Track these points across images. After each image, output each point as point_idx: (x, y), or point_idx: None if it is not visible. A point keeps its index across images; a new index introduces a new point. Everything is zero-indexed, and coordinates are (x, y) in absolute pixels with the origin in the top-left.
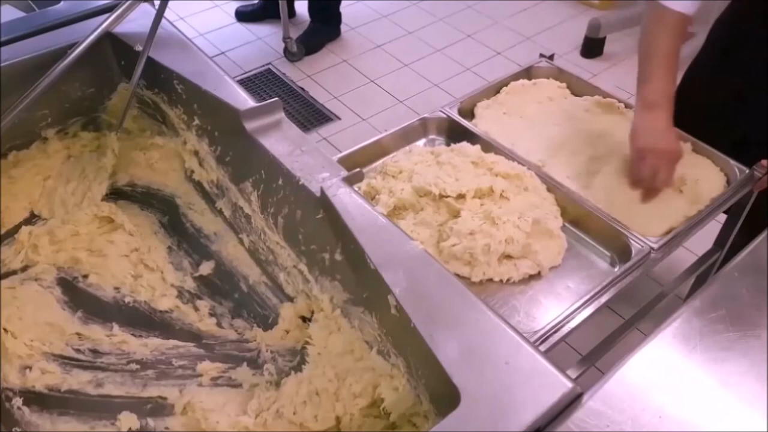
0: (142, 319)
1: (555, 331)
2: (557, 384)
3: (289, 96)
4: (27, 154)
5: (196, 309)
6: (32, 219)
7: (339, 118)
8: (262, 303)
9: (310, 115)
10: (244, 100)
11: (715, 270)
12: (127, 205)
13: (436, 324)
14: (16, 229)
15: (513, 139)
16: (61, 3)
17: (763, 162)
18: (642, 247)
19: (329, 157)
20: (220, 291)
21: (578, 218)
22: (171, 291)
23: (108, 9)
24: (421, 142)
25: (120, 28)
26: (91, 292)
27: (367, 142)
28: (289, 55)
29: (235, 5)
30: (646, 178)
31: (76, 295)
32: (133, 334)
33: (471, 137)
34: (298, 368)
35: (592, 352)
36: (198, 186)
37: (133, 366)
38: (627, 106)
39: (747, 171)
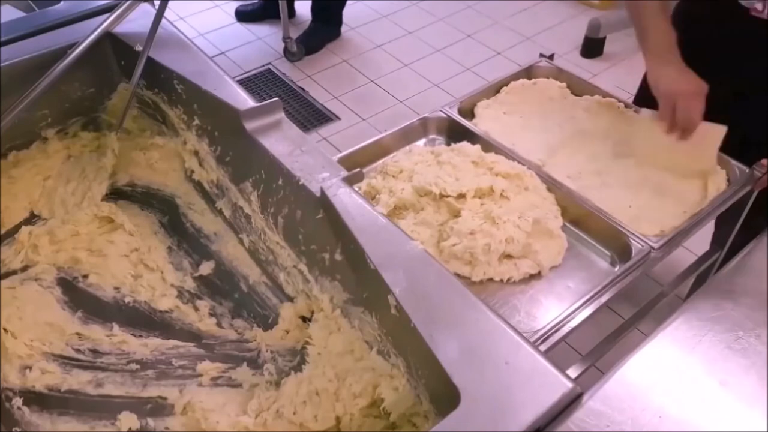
0: (142, 319)
1: (555, 331)
2: (557, 384)
3: (289, 96)
4: (27, 154)
5: (196, 309)
6: (32, 219)
7: (339, 118)
8: (262, 303)
9: (310, 115)
10: (244, 100)
11: (714, 270)
12: (127, 205)
13: (436, 324)
14: (16, 229)
15: (513, 139)
16: (61, 3)
17: (763, 161)
18: (642, 246)
19: (329, 157)
20: (220, 291)
21: (578, 218)
22: (171, 291)
23: (108, 9)
24: (421, 142)
25: (120, 28)
26: (91, 292)
27: (367, 142)
28: (289, 55)
29: (235, 5)
30: (681, 118)
31: (76, 295)
32: (133, 334)
33: (471, 137)
34: (298, 368)
35: (592, 352)
36: (198, 186)
37: (133, 366)
38: (627, 105)
39: (747, 170)
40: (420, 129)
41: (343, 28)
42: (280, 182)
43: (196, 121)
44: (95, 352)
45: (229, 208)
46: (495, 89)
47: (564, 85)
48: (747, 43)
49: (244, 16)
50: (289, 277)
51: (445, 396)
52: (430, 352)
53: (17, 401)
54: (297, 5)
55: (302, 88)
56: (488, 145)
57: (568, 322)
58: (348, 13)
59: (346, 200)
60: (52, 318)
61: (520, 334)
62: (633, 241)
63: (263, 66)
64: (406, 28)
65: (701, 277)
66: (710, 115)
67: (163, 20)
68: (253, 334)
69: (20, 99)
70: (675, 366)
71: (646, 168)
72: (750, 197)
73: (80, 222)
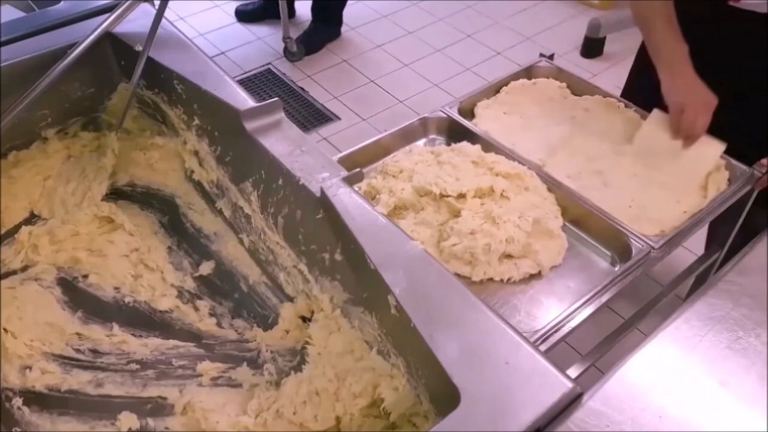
0: (142, 319)
1: (555, 331)
2: (557, 384)
3: (289, 96)
4: (27, 154)
5: (196, 309)
6: (32, 219)
7: (339, 118)
8: (262, 303)
9: (310, 115)
10: (244, 100)
11: (714, 270)
12: (127, 205)
13: (436, 324)
14: (16, 229)
15: (513, 139)
16: (61, 3)
17: (763, 161)
18: (642, 246)
19: (329, 157)
20: (220, 291)
21: (578, 218)
22: (171, 291)
23: (108, 9)
24: (421, 142)
25: (120, 28)
26: (91, 292)
27: (367, 142)
28: (289, 55)
29: (235, 5)
30: (685, 127)
31: (76, 295)
32: (133, 334)
33: (471, 137)
34: (298, 368)
35: (592, 352)
36: (198, 186)
37: (133, 366)
38: (627, 105)
39: (747, 170)
40: (420, 129)
41: (343, 28)
42: (280, 182)
43: (196, 121)
44: (95, 352)
45: (229, 208)
46: (495, 89)
47: (564, 85)
48: (747, 42)
49: (244, 16)
50: (289, 277)
51: (445, 396)
52: (430, 352)
53: (17, 401)
54: (297, 5)
55: (302, 88)
56: (488, 145)
57: (568, 322)
58: (348, 13)
59: (346, 200)
60: (52, 318)
61: (520, 334)
62: (633, 241)
63: (263, 66)
64: (406, 28)
65: (701, 277)
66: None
67: (163, 20)
68: (253, 334)
69: (20, 99)
70: (675, 366)
71: (647, 168)
72: (750, 197)
73: (80, 222)
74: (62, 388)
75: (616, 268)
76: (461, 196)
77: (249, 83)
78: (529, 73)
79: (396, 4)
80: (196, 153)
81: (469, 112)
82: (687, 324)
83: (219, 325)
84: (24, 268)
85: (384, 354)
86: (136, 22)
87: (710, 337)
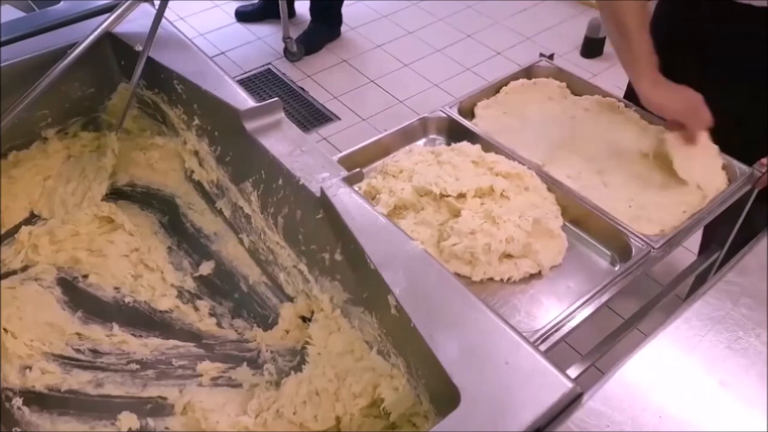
0: (142, 319)
1: (555, 331)
2: (557, 384)
3: (289, 96)
4: (27, 154)
5: (196, 309)
6: (32, 219)
7: (339, 118)
8: (262, 303)
9: (310, 115)
10: (244, 100)
11: (714, 270)
12: (127, 205)
13: (436, 324)
14: (16, 229)
15: (513, 139)
16: (61, 3)
17: (763, 161)
18: (642, 246)
19: (329, 157)
20: (220, 291)
21: (578, 218)
22: (171, 291)
23: (108, 9)
24: (421, 142)
25: (120, 28)
26: (91, 292)
27: (367, 141)
28: (289, 55)
29: (235, 5)
30: (696, 126)
31: (76, 295)
32: (133, 334)
33: (471, 137)
34: (298, 368)
35: (592, 352)
36: (198, 186)
37: (133, 366)
38: (627, 105)
39: (747, 170)
40: (420, 129)
41: (343, 28)
42: (280, 182)
43: (196, 121)
44: (95, 352)
45: (229, 208)
46: (495, 89)
47: (564, 85)
48: (747, 42)
49: (244, 16)
50: (289, 277)
51: (445, 396)
52: (430, 352)
53: (17, 401)
54: (297, 5)
55: (302, 88)
56: (488, 145)
57: (568, 321)
58: (348, 13)
59: (346, 200)
60: (52, 318)
61: (520, 334)
62: (633, 241)
63: (263, 66)
64: (406, 28)
65: (701, 277)
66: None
67: (163, 20)
68: (253, 334)
69: (20, 99)
70: (675, 366)
71: (647, 168)
72: (750, 197)
73: (80, 222)
74: (62, 388)
75: (616, 268)
76: (461, 195)
77: (249, 83)
78: (529, 73)
79: (396, 4)
80: (196, 153)
81: (469, 112)
82: (687, 324)
83: (219, 325)
84: (24, 268)
85: (384, 354)
86: (136, 22)
87: (710, 337)
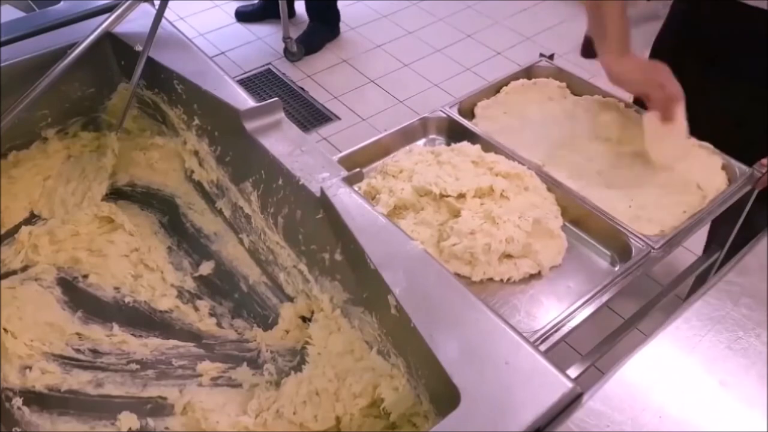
0: (142, 319)
1: (555, 331)
2: (557, 384)
3: (289, 96)
4: (27, 154)
5: (196, 309)
6: (32, 219)
7: (339, 118)
8: (262, 303)
9: (310, 115)
10: (244, 100)
11: (714, 270)
12: (127, 205)
13: (436, 324)
14: (16, 229)
15: (513, 139)
16: (61, 3)
17: (763, 161)
18: (642, 246)
19: (329, 157)
20: (220, 291)
21: (578, 218)
22: (171, 291)
23: (108, 9)
24: (421, 142)
25: (120, 28)
26: (91, 292)
27: (367, 141)
28: (289, 55)
29: (235, 5)
30: (671, 92)
31: (76, 295)
32: (133, 334)
33: (471, 137)
34: (298, 368)
35: (592, 352)
36: (198, 186)
37: (133, 366)
38: (627, 105)
39: (747, 170)
40: (420, 129)
41: (343, 28)
42: (280, 182)
43: (196, 121)
44: (95, 352)
45: (229, 208)
46: (495, 89)
47: (564, 85)
48: (749, 42)
49: (244, 16)
50: (289, 277)
51: (445, 396)
52: (430, 352)
53: (17, 401)
54: (297, 5)
55: (302, 88)
56: (488, 145)
57: (568, 321)
58: (348, 13)
59: (346, 200)
60: (52, 318)
61: (520, 334)
62: (633, 241)
63: (263, 66)
64: (406, 28)
65: (701, 277)
66: (710, 114)
67: (163, 20)
68: (253, 334)
69: (20, 99)
70: (675, 366)
71: (647, 167)
72: (750, 197)
73: (80, 222)
74: (62, 388)
75: (616, 268)
76: (461, 196)
77: (249, 83)
78: (529, 73)
79: (396, 4)
80: (196, 153)
81: (469, 112)
82: (687, 324)
83: (219, 325)
84: (24, 268)
85: (384, 354)
86: (136, 22)
87: (710, 337)
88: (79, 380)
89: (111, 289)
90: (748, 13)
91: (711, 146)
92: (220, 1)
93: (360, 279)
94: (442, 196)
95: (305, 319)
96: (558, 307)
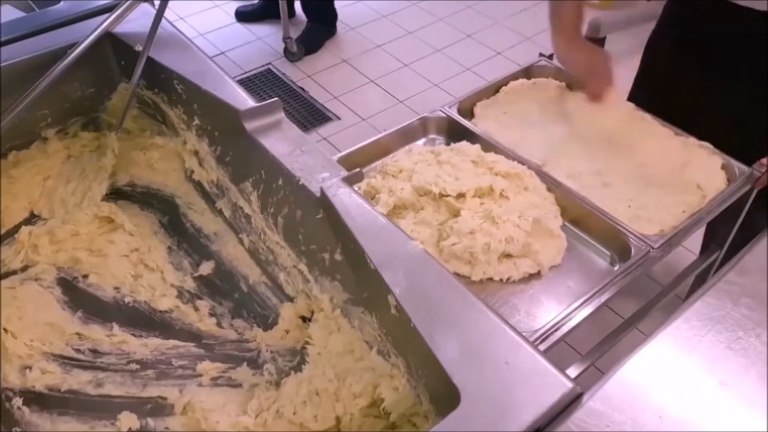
0: (142, 319)
1: (555, 330)
2: (557, 384)
3: (289, 96)
4: (27, 154)
5: (196, 309)
6: (32, 219)
7: (339, 118)
8: (262, 303)
9: (310, 115)
10: (244, 100)
11: (714, 270)
12: (127, 205)
13: (436, 324)
14: (16, 229)
15: (513, 139)
16: (61, 3)
17: (763, 161)
18: (642, 246)
19: (329, 157)
20: (220, 291)
21: (578, 217)
22: (171, 291)
23: (108, 9)
24: (421, 142)
25: (120, 28)
26: (91, 292)
27: (367, 141)
28: (289, 55)
29: (235, 5)
30: (606, 78)
31: (76, 295)
32: (133, 334)
33: (471, 137)
34: (298, 368)
35: (592, 352)
36: (198, 186)
37: (133, 366)
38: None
39: (747, 170)
40: (420, 129)
41: (343, 28)
42: (280, 182)
43: (196, 121)
44: (95, 352)
45: (229, 208)
46: (495, 89)
47: (563, 84)
48: (747, 42)
49: (244, 16)
50: (289, 277)
51: (445, 396)
52: (430, 352)
53: (17, 401)
54: (297, 5)
55: (302, 88)
56: (488, 145)
57: (567, 321)
58: (348, 13)
59: (346, 200)
60: (52, 318)
61: (520, 334)
62: (633, 241)
63: (263, 66)
64: (406, 28)
65: (701, 276)
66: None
67: (163, 20)
68: (253, 334)
69: (20, 99)
70: (675, 366)
71: (646, 167)
72: (749, 197)
73: (80, 222)
74: (62, 388)
75: (616, 268)
76: (461, 195)
77: (249, 83)
78: (528, 73)
79: (396, 4)
80: (196, 153)
81: (468, 112)
82: (687, 324)
83: (219, 325)
84: (24, 268)
85: (384, 354)
86: (136, 22)
87: (710, 337)
88: (79, 380)
89: (111, 289)
90: (748, 13)
91: (711, 146)
92: (220, 1)
93: (360, 279)
94: (441, 195)
95: (305, 319)
96: (558, 307)
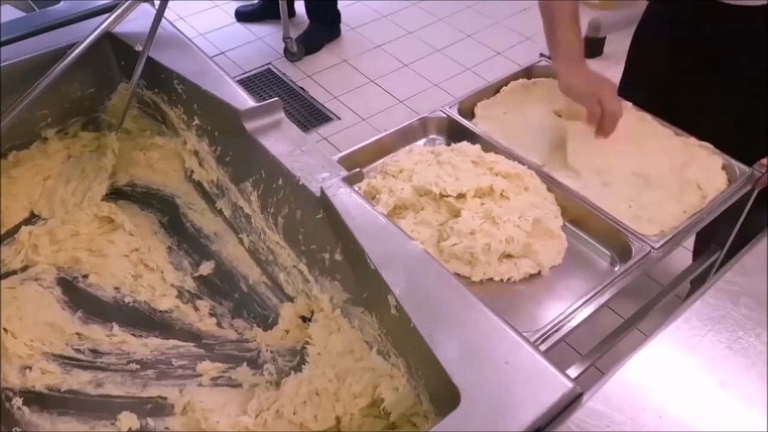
0: (142, 319)
1: (555, 331)
2: (557, 384)
3: (289, 96)
4: (27, 154)
5: (196, 309)
6: (32, 219)
7: (339, 118)
8: (262, 303)
9: (310, 115)
10: (244, 100)
11: (714, 270)
12: (127, 205)
13: (436, 324)
14: (16, 229)
15: (513, 139)
16: (61, 3)
17: (763, 161)
18: (642, 246)
19: (329, 157)
20: (220, 291)
21: (578, 218)
22: (171, 291)
23: (108, 9)
24: (421, 142)
25: (120, 28)
26: (91, 292)
27: (367, 141)
28: (289, 55)
29: (235, 5)
30: (611, 110)
31: (76, 295)
32: (133, 334)
33: (471, 137)
34: (298, 368)
35: (592, 352)
36: (198, 186)
37: (133, 366)
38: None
39: (747, 170)
40: (420, 129)
41: (343, 28)
42: (280, 182)
43: (196, 121)
44: (95, 352)
45: (229, 208)
46: (495, 89)
47: None
48: (746, 42)
49: (244, 16)
50: (289, 277)
51: (445, 396)
52: (430, 352)
53: (17, 401)
54: (297, 5)
55: (302, 88)
56: (488, 145)
57: (568, 321)
58: (348, 13)
59: (346, 200)
60: (52, 318)
61: (520, 334)
62: (633, 241)
63: (263, 66)
64: (406, 28)
65: (701, 277)
66: (710, 114)
67: (163, 20)
68: (253, 334)
69: (20, 99)
70: (675, 366)
71: (646, 167)
72: (750, 197)
73: (80, 222)
74: (62, 388)
75: (616, 268)
76: (461, 195)
77: (249, 83)
78: (528, 73)
79: (396, 4)
80: (196, 153)
81: (469, 112)
82: (687, 324)
83: (219, 325)
84: (24, 268)
85: (384, 354)
86: (136, 22)
87: (710, 337)
88: (79, 380)
89: (111, 289)
90: (747, 13)
91: (711, 146)
92: (220, 1)
93: (360, 279)
94: (442, 196)
95: (305, 319)
96: (558, 307)
